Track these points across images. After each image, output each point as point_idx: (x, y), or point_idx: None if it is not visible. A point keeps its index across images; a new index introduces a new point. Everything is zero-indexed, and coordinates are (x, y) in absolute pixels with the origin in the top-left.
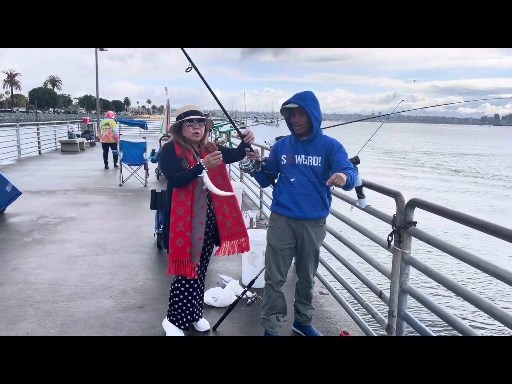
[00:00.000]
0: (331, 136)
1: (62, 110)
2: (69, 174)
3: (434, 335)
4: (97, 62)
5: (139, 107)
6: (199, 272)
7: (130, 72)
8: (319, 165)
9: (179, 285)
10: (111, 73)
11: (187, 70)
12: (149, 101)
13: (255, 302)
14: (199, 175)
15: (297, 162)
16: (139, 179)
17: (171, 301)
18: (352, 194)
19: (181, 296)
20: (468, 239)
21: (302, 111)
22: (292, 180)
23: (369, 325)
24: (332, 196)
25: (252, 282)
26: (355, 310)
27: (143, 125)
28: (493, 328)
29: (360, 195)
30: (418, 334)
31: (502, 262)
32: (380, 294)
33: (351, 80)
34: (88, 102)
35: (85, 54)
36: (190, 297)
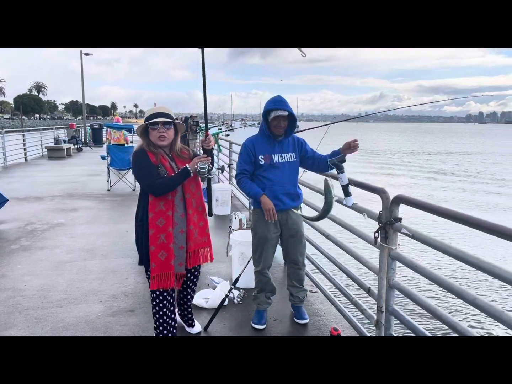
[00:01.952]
0: (318, 139)
1: (48, 116)
2: (57, 180)
3: (422, 329)
4: (83, 67)
5: (126, 111)
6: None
7: (117, 76)
8: (295, 159)
9: (154, 296)
10: (97, 78)
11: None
12: (136, 106)
13: (243, 299)
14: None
15: (275, 162)
16: (127, 184)
17: (155, 317)
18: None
19: (161, 312)
20: (458, 237)
21: (286, 116)
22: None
23: (358, 321)
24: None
25: (237, 279)
26: (345, 307)
27: (130, 129)
28: (477, 320)
29: (347, 193)
30: (407, 329)
31: (492, 258)
32: (368, 291)
33: (338, 81)
34: (74, 108)
35: (71, 60)
36: (172, 307)
